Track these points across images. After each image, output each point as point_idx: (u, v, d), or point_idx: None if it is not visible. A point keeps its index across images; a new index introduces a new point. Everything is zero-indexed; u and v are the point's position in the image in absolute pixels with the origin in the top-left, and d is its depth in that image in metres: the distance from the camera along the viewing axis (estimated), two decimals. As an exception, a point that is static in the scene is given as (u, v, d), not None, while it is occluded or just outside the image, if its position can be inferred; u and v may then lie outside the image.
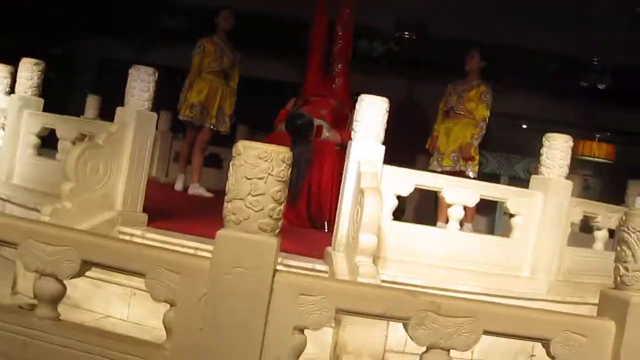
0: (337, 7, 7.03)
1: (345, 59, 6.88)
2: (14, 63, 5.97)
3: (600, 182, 10.72)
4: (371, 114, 4.38)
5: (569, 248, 4.89)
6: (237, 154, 2.47)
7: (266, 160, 2.44)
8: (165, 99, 9.03)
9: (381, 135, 4.41)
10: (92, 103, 8.37)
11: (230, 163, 2.52)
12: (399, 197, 4.51)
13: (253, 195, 2.45)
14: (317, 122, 6.20)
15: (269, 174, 2.46)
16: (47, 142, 5.62)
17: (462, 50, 7.61)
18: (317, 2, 7.06)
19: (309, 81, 6.84)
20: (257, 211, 2.46)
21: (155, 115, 4.84)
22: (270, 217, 2.47)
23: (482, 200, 4.74)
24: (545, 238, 4.73)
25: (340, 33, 6.92)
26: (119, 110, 4.77)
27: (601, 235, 5.30)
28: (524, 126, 12.06)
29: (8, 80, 6.15)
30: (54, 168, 5.06)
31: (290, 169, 2.51)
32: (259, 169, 2.44)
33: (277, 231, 2.50)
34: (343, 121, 6.51)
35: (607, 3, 10.95)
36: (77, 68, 12.45)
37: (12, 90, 5.84)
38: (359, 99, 4.44)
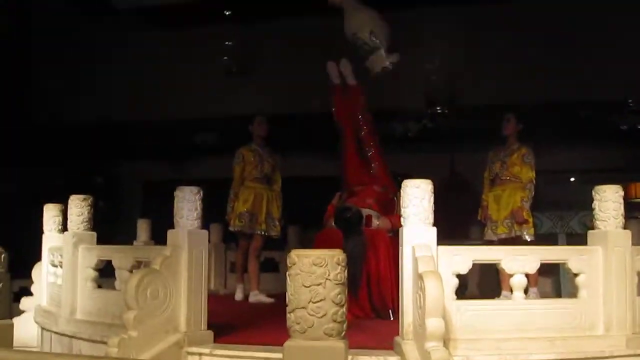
0: (350, 96, 7.18)
1: (374, 142, 6.93)
2: (61, 197, 6.11)
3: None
4: (417, 198, 4.37)
5: None
6: (292, 264, 2.49)
7: (321, 266, 2.45)
8: (212, 211, 9.21)
9: (431, 218, 4.39)
10: (142, 227, 8.51)
11: (287, 273, 2.54)
12: (458, 275, 4.45)
13: (314, 302, 2.46)
14: (365, 211, 6.20)
15: (327, 279, 2.46)
16: (105, 271, 5.70)
17: (496, 114, 7.64)
18: (333, 96, 7.22)
19: (348, 172, 6.88)
20: (320, 317, 2.46)
21: (206, 232, 4.90)
22: (335, 321, 2.47)
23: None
24: (614, 292, 4.60)
25: (361, 118, 7.00)
26: (170, 233, 4.84)
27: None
28: (572, 179, 11.92)
29: (60, 219, 6.31)
30: (115, 298, 5.12)
31: (346, 270, 2.51)
32: (315, 276, 2.45)
33: (343, 334, 2.49)
34: (390, 206, 6.50)
35: (631, 42, 10.96)
36: (122, 194, 12.73)
37: (64, 227, 5.96)
38: (402, 185, 4.45)
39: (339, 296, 2.48)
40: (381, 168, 6.87)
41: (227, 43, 12.19)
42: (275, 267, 9.15)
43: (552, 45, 11.29)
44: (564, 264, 4.78)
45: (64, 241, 5.81)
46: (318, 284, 2.45)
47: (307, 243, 9.26)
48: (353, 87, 7.24)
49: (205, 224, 4.95)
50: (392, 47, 7.24)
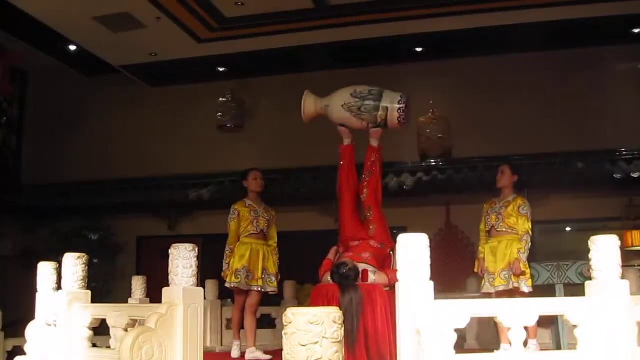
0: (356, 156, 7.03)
1: (377, 204, 6.82)
2: (55, 255, 6.08)
3: (656, 269, 10.46)
4: (413, 252, 4.35)
5: (640, 348, 4.70)
6: (288, 322, 2.46)
7: (318, 324, 2.42)
8: (208, 267, 9.18)
9: (427, 272, 4.36)
10: (137, 284, 8.44)
11: (283, 332, 2.51)
12: (456, 329, 4.40)
13: (311, 361, 2.43)
14: (362, 266, 6.16)
15: (323, 337, 2.44)
16: (100, 329, 5.64)
17: (490, 166, 7.67)
18: (340, 152, 7.08)
19: (345, 227, 6.81)
20: (317, 376, 2.43)
21: (201, 289, 4.86)
22: (332, 379, 2.43)
23: (541, 313, 4.61)
24: (613, 343, 4.55)
25: (366, 180, 6.86)
26: (165, 290, 4.80)
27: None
28: (568, 229, 11.92)
29: (54, 277, 6.26)
30: (110, 357, 5.06)
31: (343, 327, 2.48)
32: (312, 334, 2.43)
33: (341, 392, 2.46)
34: (387, 261, 6.46)
35: (623, 93, 11.13)
36: (116, 249, 12.70)
37: (59, 285, 5.92)
38: (397, 239, 4.43)
39: (337, 354, 2.45)
40: (380, 228, 6.76)
41: (221, 99, 12.29)
42: (271, 323, 9.08)
43: (547, 97, 11.44)
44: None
45: (58, 300, 5.76)
46: (315, 343, 2.42)
47: (303, 298, 9.23)
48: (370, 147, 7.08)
49: (201, 280, 4.92)
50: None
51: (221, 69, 12.54)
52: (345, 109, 6.77)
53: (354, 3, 10.01)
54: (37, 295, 6.35)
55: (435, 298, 4.40)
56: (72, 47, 11.66)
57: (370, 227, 6.68)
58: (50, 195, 13.03)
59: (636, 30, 10.82)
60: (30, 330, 6.53)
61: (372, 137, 6.93)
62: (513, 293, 6.68)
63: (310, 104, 7.09)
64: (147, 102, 13.30)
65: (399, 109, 6.69)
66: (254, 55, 11.71)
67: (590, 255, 4.85)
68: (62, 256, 5.71)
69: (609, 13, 10.06)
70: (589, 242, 4.88)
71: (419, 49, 11.77)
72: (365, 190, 6.79)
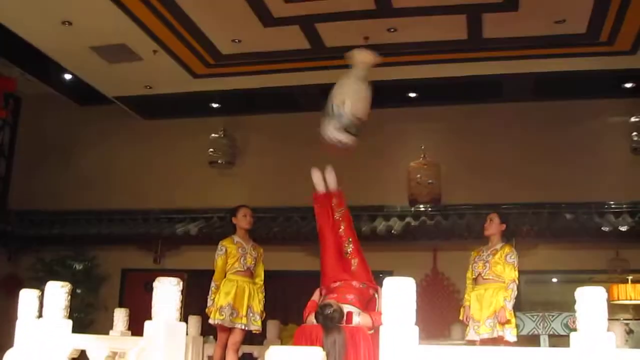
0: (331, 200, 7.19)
1: (354, 237, 6.91)
2: (39, 283, 6.00)
3: (643, 324, 10.47)
4: (399, 297, 4.32)
5: (625, 404, 4.67)
6: (271, 361, 2.43)
7: (300, 364, 2.39)
8: (192, 303, 9.10)
9: (413, 316, 4.33)
10: (119, 316, 8.35)
11: (264, 370, 2.48)
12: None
13: (292, 402, 2.39)
14: (347, 307, 6.13)
15: (306, 378, 2.40)
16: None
17: (479, 214, 7.68)
18: (315, 203, 7.22)
19: (327, 268, 6.82)
20: (298, 418, 2.39)
21: (184, 325, 4.80)
22: (313, 421, 2.40)
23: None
24: (598, 397, 4.52)
25: (339, 217, 6.98)
26: (147, 324, 4.74)
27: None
28: (554, 280, 11.92)
29: (37, 305, 6.18)
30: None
31: (326, 368, 2.45)
32: (294, 374, 2.40)
33: None
34: (371, 303, 6.44)
35: (613, 145, 11.24)
36: (100, 280, 12.59)
37: (41, 314, 5.85)
38: (384, 282, 4.41)
39: (318, 396, 2.42)
40: (361, 264, 6.81)
41: (213, 135, 12.32)
42: (253, 362, 8.99)
43: (538, 147, 11.53)
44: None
45: (38, 328, 5.69)
46: (297, 383, 2.39)
47: (286, 338, 9.15)
48: (335, 193, 7.28)
49: (184, 315, 4.87)
50: (360, 131, 7.31)
51: (215, 105, 12.57)
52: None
53: (350, 46, 10.09)
54: (17, 322, 6.28)
55: (419, 344, 4.38)
56: (67, 76, 11.67)
57: (353, 262, 6.71)
58: (36, 223, 12.95)
59: (628, 85, 10.97)
60: (8, 358, 6.45)
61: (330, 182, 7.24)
62: (497, 341, 6.64)
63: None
64: (139, 134, 13.30)
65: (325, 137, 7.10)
66: (248, 92, 11.76)
67: (575, 307, 4.85)
68: (46, 284, 5.64)
69: (601, 67, 10.21)
70: (575, 293, 4.89)
71: (412, 94, 11.85)
72: (342, 224, 6.88)
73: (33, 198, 13.15)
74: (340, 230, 6.94)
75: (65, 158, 13.42)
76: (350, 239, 6.89)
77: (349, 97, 7.18)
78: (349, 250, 6.82)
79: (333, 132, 7.09)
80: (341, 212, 7.07)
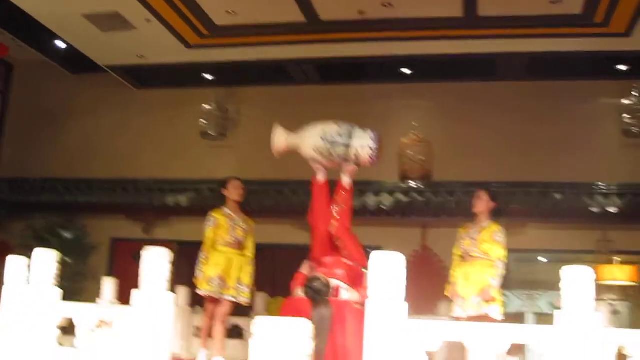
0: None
1: (346, 233, 6.74)
2: (28, 250, 5.98)
3: (628, 305, 10.54)
4: (386, 271, 4.33)
5: (609, 383, 4.71)
6: (256, 332, 2.45)
7: (287, 336, 2.41)
8: (181, 274, 9.12)
9: (402, 292, 4.34)
10: (108, 286, 8.38)
11: (250, 341, 2.49)
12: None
13: (277, 373, 2.41)
14: (335, 282, 6.16)
15: (292, 349, 2.42)
16: (68, 329, 5.58)
17: (469, 191, 7.68)
18: (314, 188, 6.95)
19: (317, 245, 6.75)
20: (283, 388, 2.41)
21: (172, 294, 4.82)
22: (297, 392, 2.42)
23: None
24: (581, 375, 4.56)
25: (335, 215, 6.77)
26: (135, 293, 4.76)
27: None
28: (542, 259, 11.99)
29: (24, 272, 6.17)
30: (75, 357, 5.01)
31: (311, 341, 2.47)
32: (280, 345, 2.41)
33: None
34: (360, 278, 6.45)
35: (604, 127, 11.26)
36: (89, 250, 12.58)
37: (28, 281, 5.84)
38: (371, 256, 4.41)
39: (304, 368, 2.44)
40: (354, 251, 6.70)
41: (205, 106, 12.28)
42: (240, 335, 9.03)
43: (530, 127, 11.54)
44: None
45: (26, 295, 5.69)
46: (282, 354, 2.41)
47: (274, 311, 9.19)
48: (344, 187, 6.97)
49: (172, 286, 4.88)
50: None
51: (208, 76, 12.52)
52: (316, 152, 6.65)
53: (346, 20, 10.06)
54: (4, 288, 6.28)
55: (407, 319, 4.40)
56: (60, 44, 11.60)
57: (344, 253, 6.65)
58: (27, 190, 12.92)
59: (621, 67, 10.97)
60: (-6, 324, 6.46)
61: (345, 174, 6.85)
62: (483, 319, 6.67)
63: (280, 140, 6.93)
64: (131, 103, 13.25)
65: (370, 148, 6.58)
66: (242, 64, 11.73)
67: (561, 286, 4.87)
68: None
69: (595, 48, 10.20)
70: (561, 272, 4.91)
71: (406, 71, 11.83)
72: (334, 223, 6.72)
73: (24, 165, 13.11)
74: (332, 228, 6.74)
75: (56, 126, 13.37)
76: (339, 238, 6.72)
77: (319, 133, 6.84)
78: (341, 244, 6.73)
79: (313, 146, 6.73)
80: (340, 209, 6.79)
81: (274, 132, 6.94)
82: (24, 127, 13.47)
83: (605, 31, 9.77)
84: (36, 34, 11.16)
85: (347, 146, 6.56)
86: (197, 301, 8.43)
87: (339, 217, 6.72)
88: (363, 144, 6.55)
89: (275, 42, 10.79)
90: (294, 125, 6.97)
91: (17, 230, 12.46)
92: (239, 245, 7.26)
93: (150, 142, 12.92)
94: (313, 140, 6.64)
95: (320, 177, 6.87)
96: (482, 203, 7.06)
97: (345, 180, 6.85)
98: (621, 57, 10.61)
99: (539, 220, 11.05)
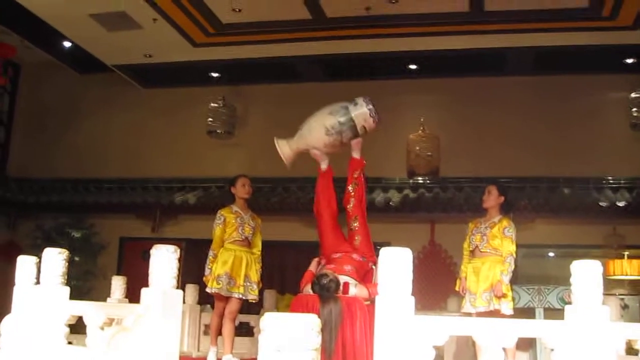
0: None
1: (362, 214, 6.78)
2: (37, 250, 6.00)
3: (637, 299, 10.52)
4: (395, 267, 4.33)
5: (618, 377, 4.70)
6: (265, 327, 2.44)
7: (295, 331, 2.40)
8: (189, 272, 9.14)
9: (409, 287, 4.34)
10: (117, 284, 8.39)
11: (259, 336, 2.49)
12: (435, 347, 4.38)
13: (286, 369, 2.41)
14: (343, 278, 6.14)
15: (301, 344, 2.42)
16: (77, 327, 5.59)
17: (477, 187, 7.66)
18: (320, 176, 6.94)
19: (326, 240, 6.74)
20: (292, 384, 2.41)
21: (181, 292, 4.82)
22: (307, 388, 2.42)
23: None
24: (591, 370, 4.54)
25: (352, 191, 6.79)
26: (144, 291, 4.76)
27: (647, 357, 5.10)
28: (551, 254, 11.96)
29: (34, 272, 6.20)
30: (85, 355, 5.01)
31: (320, 336, 2.46)
32: (289, 341, 2.41)
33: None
34: (369, 275, 6.44)
35: (612, 121, 11.22)
36: (98, 249, 12.63)
37: (38, 281, 5.86)
38: (380, 252, 4.41)
39: (313, 363, 2.43)
40: (364, 240, 6.72)
41: (212, 104, 12.29)
42: (249, 331, 9.03)
43: (537, 122, 11.52)
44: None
45: (36, 295, 5.71)
46: (291, 349, 2.40)
47: (283, 308, 9.19)
48: (359, 162, 6.88)
49: (181, 284, 4.89)
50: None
51: (214, 75, 12.54)
52: (329, 148, 6.69)
53: (351, 17, 10.04)
54: (15, 288, 6.30)
55: (415, 315, 4.39)
56: (67, 44, 11.63)
57: (356, 238, 6.65)
58: (35, 190, 12.97)
59: (629, 61, 10.93)
60: (5, 324, 6.48)
61: (354, 149, 6.85)
62: (493, 314, 6.66)
63: (286, 149, 6.92)
64: (138, 102, 13.28)
65: (370, 114, 6.61)
66: (248, 62, 11.72)
67: (571, 281, 4.85)
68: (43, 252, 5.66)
69: (603, 42, 10.16)
70: (571, 267, 4.89)
71: (412, 66, 11.82)
72: (351, 200, 6.73)
73: (32, 165, 13.17)
74: (349, 206, 6.79)
75: (64, 126, 13.41)
76: (358, 217, 6.77)
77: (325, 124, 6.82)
78: (354, 226, 6.74)
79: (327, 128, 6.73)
80: (356, 185, 6.80)
81: (277, 146, 6.96)
82: (32, 127, 13.53)
83: (612, 24, 9.72)
84: (43, 34, 11.19)
85: (353, 127, 6.60)
86: (206, 299, 8.45)
87: (356, 194, 6.74)
88: (364, 115, 6.58)
89: (282, 40, 10.78)
90: (302, 122, 6.95)
91: (27, 231, 12.52)
92: (247, 243, 7.27)
93: (158, 140, 12.96)
94: (320, 137, 6.64)
95: (324, 165, 6.89)
96: (492, 198, 7.05)
97: (356, 155, 6.88)
98: (629, 50, 10.56)
99: (547, 215, 11.01)
